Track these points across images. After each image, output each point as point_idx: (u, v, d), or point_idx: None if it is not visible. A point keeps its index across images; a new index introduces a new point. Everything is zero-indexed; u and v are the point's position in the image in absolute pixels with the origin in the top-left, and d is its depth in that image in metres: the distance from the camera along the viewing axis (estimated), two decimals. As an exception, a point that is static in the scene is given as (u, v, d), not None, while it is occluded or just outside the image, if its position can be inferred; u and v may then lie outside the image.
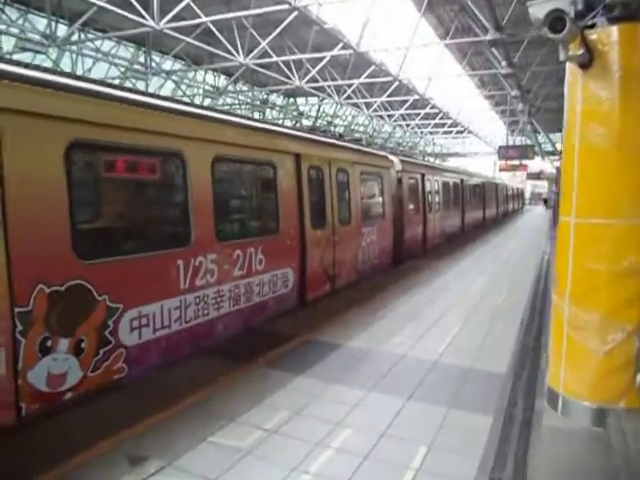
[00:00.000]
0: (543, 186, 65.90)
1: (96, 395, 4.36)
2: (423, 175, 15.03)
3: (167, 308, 5.03)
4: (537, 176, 44.41)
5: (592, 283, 4.15)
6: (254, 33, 16.25)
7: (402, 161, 13.44)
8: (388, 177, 11.79)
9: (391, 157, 12.78)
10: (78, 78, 5.00)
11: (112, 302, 4.40)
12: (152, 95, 6.57)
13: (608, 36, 3.95)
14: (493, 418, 4.47)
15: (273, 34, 15.93)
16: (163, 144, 5.17)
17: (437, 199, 16.83)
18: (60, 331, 3.96)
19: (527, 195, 69.38)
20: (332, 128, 33.75)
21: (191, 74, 25.28)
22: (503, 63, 16.20)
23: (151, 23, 13.17)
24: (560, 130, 31.68)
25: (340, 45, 16.68)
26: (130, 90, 5.92)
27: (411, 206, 13.77)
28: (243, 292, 6.27)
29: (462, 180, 20.92)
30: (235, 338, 6.07)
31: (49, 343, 3.89)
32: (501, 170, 33.14)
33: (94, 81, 5.29)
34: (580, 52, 3.98)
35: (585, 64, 4.04)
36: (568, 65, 4.33)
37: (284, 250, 7.26)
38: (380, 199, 11.38)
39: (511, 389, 5.11)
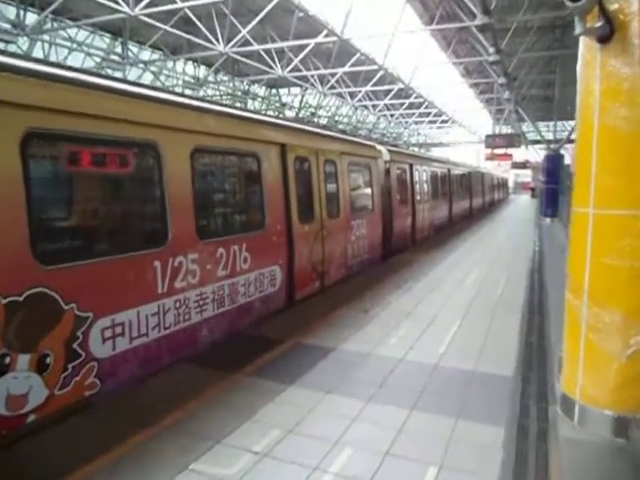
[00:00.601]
0: (525, 175, 66.06)
1: (65, 416, 3.91)
2: (411, 165, 14.77)
3: (144, 314, 4.61)
4: (522, 165, 44.34)
5: (613, 281, 3.76)
6: (234, 20, 15.67)
7: (390, 151, 13.20)
8: (376, 168, 11.47)
9: (379, 147, 12.50)
10: (36, 62, 4.42)
11: (81, 311, 3.98)
12: (128, 82, 6.03)
13: (630, 5, 3.53)
14: (505, 430, 4.08)
15: (254, 22, 15.37)
16: (135, 134, 4.72)
17: (425, 190, 16.57)
18: (19, 346, 3.53)
19: (510, 184, 69.50)
20: (315, 119, 33.22)
21: (170, 64, 24.54)
22: (491, 50, 15.85)
23: (126, 9, 12.53)
24: (546, 119, 31.70)
25: (324, 33, 16.20)
26: (98, 75, 5.36)
27: (400, 197, 13.49)
28: (227, 293, 5.88)
29: (449, 170, 20.79)
30: (219, 344, 5.61)
31: (7, 360, 3.45)
32: (487, 159, 32.93)
33: (53, 64, 4.76)
34: (599, 24, 3.57)
35: (604, 38, 3.62)
36: (583, 41, 3.91)
37: (270, 247, 6.89)
38: (369, 191, 11.06)
39: (521, 395, 4.72)
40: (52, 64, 4.98)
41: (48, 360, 3.72)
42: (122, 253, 4.49)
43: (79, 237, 4.53)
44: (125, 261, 4.48)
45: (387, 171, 12.43)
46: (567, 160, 24.65)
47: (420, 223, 15.46)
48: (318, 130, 10.02)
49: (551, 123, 38.68)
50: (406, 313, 7.71)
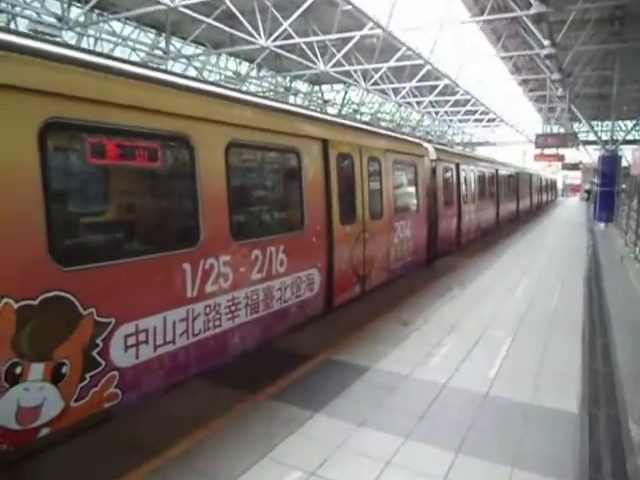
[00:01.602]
0: (574, 177, 63.43)
1: (81, 429, 3.56)
2: (458, 165, 14.01)
3: (171, 320, 4.21)
4: (574, 166, 42.31)
5: None
6: (276, 13, 15.29)
7: (437, 149, 12.48)
8: (422, 167, 10.81)
9: (425, 145, 11.82)
10: (57, 45, 3.96)
11: (101, 316, 3.62)
12: (159, 70, 5.58)
13: None
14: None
15: (295, 14, 14.93)
16: (165, 126, 4.30)
17: (472, 191, 15.75)
18: (33, 354, 3.20)
19: (559, 186, 66.93)
20: (358, 116, 32.61)
21: (213, 60, 24.43)
22: (546, 42, 14.94)
23: (165, 1, 12.29)
24: (599, 118, 30.15)
25: (369, 25, 15.60)
26: (125, 61, 4.82)
27: (445, 198, 12.77)
28: (262, 298, 5.39)
29: (497, 170, 19.66)
30: (243, 358, 5.11)
31: (18, 370, 3.12)
32: (536, 159, 31.40)
33: (79, 49, 4.35)
34: None
35: None
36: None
37: (309, 248, 6.40)
38: (413, 191, 10.42)
39: (590, 439, 4.02)
40: (79, 49, 4.55)
41: (64, 369, 3.40)
42: (148, 254, 4.10)
43: (102, 236, 4.21)
44: (151, 263, 4.09)
45: (433, 170, 11.83)
46: (626, 162, 23.25)
47: (466, 226, 14.73)
48: (362, 125, 9.44)
49: (602, 123, 36.88)
50: (450, 327, 7.07)
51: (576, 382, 5.15)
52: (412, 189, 10.42)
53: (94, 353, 3.59)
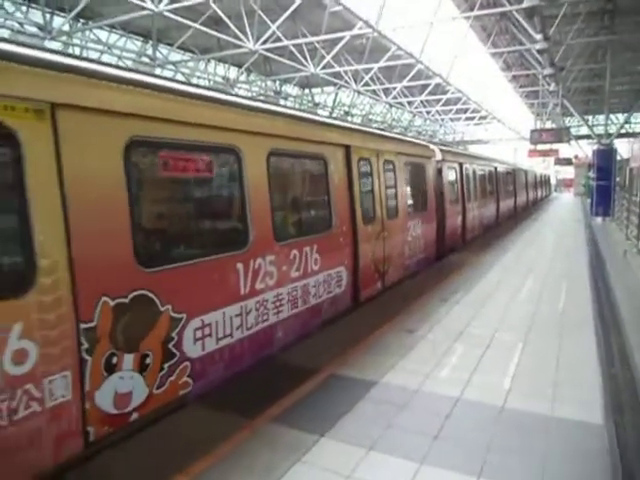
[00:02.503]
0: (566, 172, 63.44)
1: (161, 415, 3.98)
2: (461, 164, 14.36)
3: (229, 315, 4.71)
4: (568, 162, 42.17)
5: None
6: (263, 16, 15.04)
7: (442, 150, 12.88)
8: (430, 167, 11.36)
9: (432, 146, 12.32)
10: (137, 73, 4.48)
11: (175, 312, 4.10)
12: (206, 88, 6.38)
13: None
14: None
15: (283, 16, 14.70)
16: (220, 140, 4.83)
17: (474, 189, 16.11)
18: (125, 346, 3.68)
19: (553, 182, 66.93)
20: (349, 118, 32.38)
21: (202, 66, 24.14)
22: (538, 37, 14.78)
23: (150, 6, 12.01)
24: (590, 112, 30.12)
25: (358, 25, 15.39)
26: (183, 83, 5.77)
27: (451, 197, 13.23)
28: (300, 295, 5.90)
29: (495, 168, 19.90)
30: (241, 378, 4.78)
31: (115, 360, 3.61)
32: (530, 155, 31.21)
33: (143, 73, 4.68)
34: None
35: None
36: None
37: (337, 248, 6.88)
38: (423, 191, 10.91)
39: (620, 460, 3.64)
40: (156, 76, 5.15)
41: (148, 360, 3.86)
42: (210, 256, 4.56)
43: (173, 241, 4.75)
44: (212, 263, 4.56)
45: (439, 170, 12.21)
46: (619, 155, 23.10)
47: (470, 223, 15.13)
48: (378, 131, 10.12)
49: (594, 117, 36.82)
50: (457, 333, 6.77)
51: (596, 389, 4.86)
52: (422, 189, 10.86)
53: (170, 345, 4.04)
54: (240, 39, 15.76)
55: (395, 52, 18.86)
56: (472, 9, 16.59)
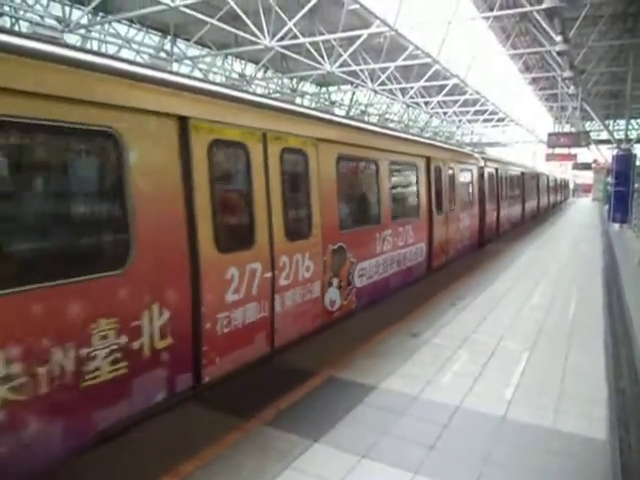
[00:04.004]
0: (584, 177, 62.40)
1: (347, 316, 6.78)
2: (497, 169, 16.99)
3: (372, 264, 7.53)
4: (586, 166, 41.45)
5: None
6: (280, 13, 14.94)
7: (483, 158, 15.48)
8: (475, 171, 14.08)
9: (476, 155, 14.88)
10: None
11: (352, 258, 6.85)
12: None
13: None
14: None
15: (300, 13, 14.60)
16: (404, 158, 8.95)
17: (506, 190, 18.85)
18: (335, 274, 6.42)
19: (571, 186, 65.95)
20: (366, 117, 32.19)
21: (219, 62, 24.13)
22: (558, 39, 14.50)
23: (167, 0, 12.01)
24: (611, 117, 29.56)
25: (376, 24, 15.23)
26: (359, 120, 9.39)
27: (489, 197, 15.86)
28: (401, 259, 8.62)
29: (522, 173, 22.48)
30: (238, 378, 4.73)
31: (332, 281, 6.39)
32: (548, 159, 30.69)
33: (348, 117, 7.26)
34: None
35: None
36: None
37: (421, 229, 9.62)
38: (472, 190, 13.75)
39: (622, 470, 3.56)
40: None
41: (342, 283, 6.61)
42: (367, 225, 7.60)
43: (353, 215, 7.42)
44: (369, 230, 7.56)
45: (481, 174, 14.84)
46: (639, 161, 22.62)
47: (503, 219, 17.98)
48: (446, 145, 13.43)
49: (615, 121, 36.10)
50: (462, 338, 6.66)
51: (602, 403, 4.72)
52: (470, 189, 13.67)
53: (349, 277, 6.81)
54: (257, 36, 15.71)
55: (413, 52, 18.67)
56: (492, 9, 16.37)
